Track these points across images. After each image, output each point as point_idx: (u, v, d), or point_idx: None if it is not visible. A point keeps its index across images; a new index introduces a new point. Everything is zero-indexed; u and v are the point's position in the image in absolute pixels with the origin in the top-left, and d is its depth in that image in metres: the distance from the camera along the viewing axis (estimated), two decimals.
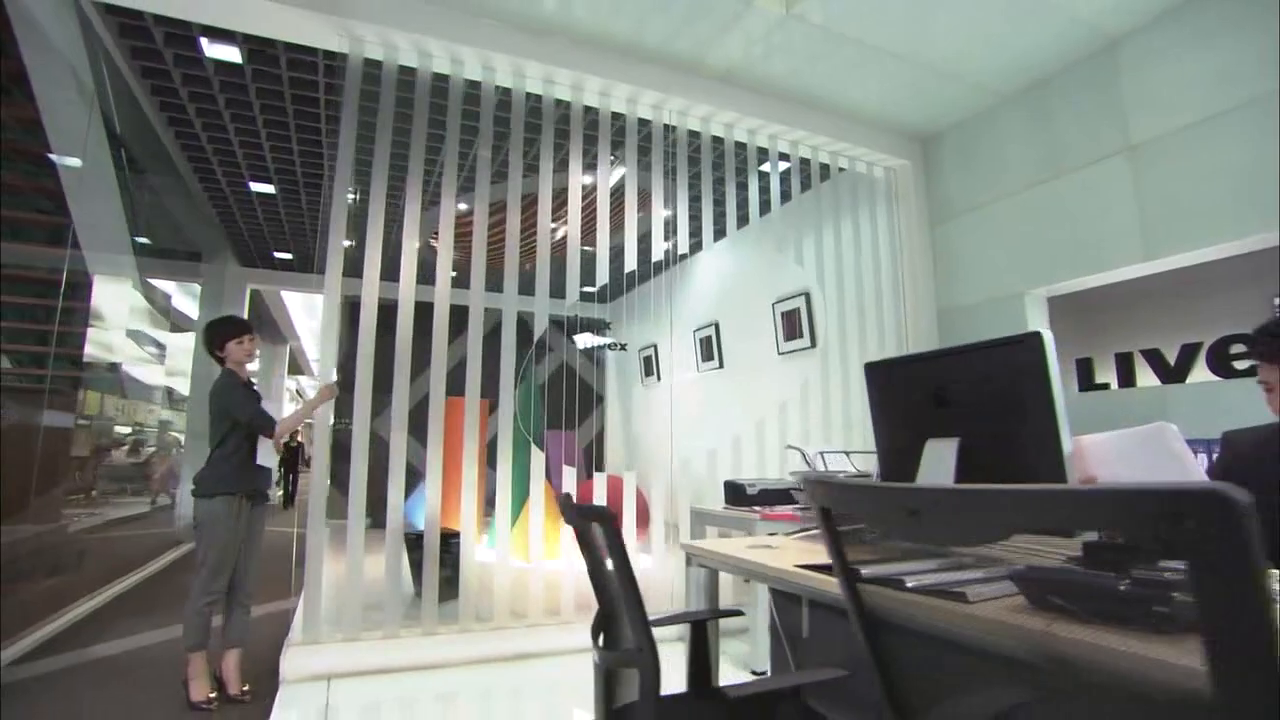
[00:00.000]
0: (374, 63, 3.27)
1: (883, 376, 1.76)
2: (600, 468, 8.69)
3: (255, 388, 2.89)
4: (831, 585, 1.32)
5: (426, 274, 3.28)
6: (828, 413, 4.43)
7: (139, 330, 6.80)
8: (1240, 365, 2.90)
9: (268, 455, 2.74)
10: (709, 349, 6.85)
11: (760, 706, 1.17)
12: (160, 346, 6.28)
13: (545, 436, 6.18)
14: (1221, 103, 3.02)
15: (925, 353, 1.68)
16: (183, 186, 5.06)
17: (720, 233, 4.37)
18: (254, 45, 3.47)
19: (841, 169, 4.54)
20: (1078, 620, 0.95)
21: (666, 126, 3.95)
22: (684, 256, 7.09)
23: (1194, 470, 1.31)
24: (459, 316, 3.35)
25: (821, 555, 1.66)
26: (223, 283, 6.39)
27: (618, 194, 3.98)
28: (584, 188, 3.75)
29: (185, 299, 6.94)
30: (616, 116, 3.84)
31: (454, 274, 3.37)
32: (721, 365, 6.70)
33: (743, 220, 4.62)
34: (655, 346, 8.04)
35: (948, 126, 4.38)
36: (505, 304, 3.47)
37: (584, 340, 8.48)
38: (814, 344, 5.35)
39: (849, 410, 4.48)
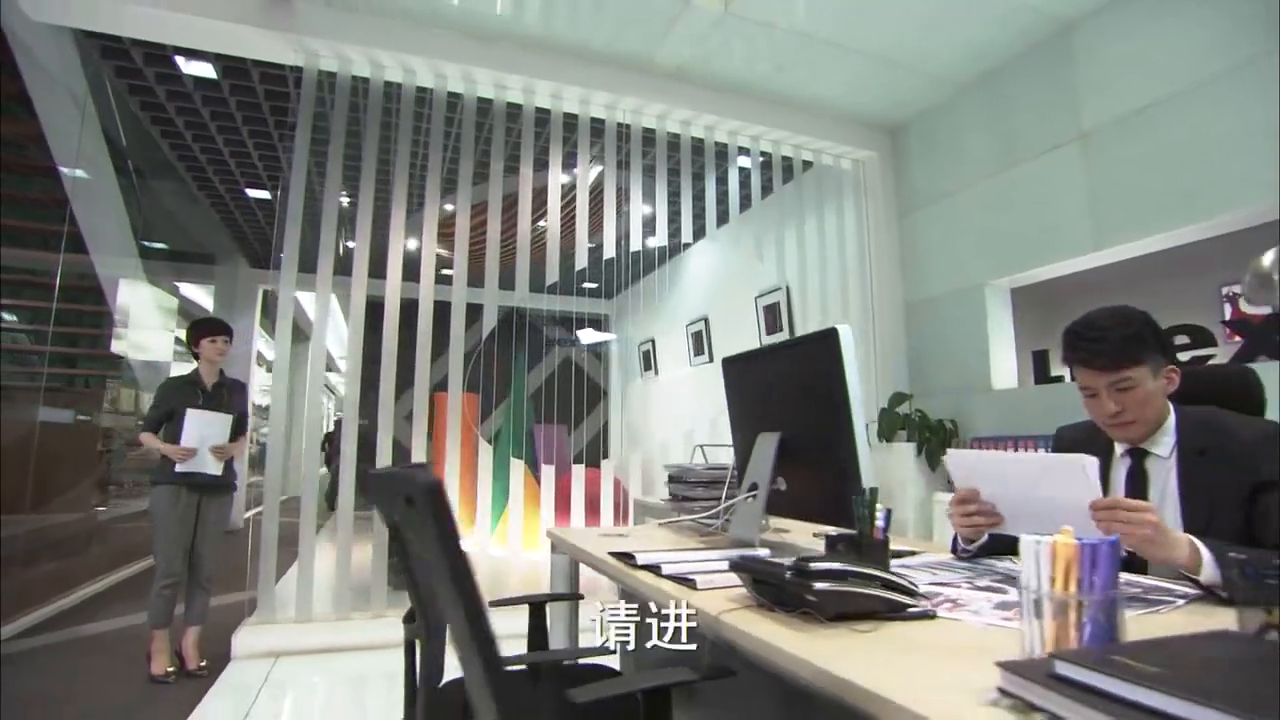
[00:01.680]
0: (329, 74, 3.44)
1: (733, 371, 1.82)
2: (604, 459, 8.79)
3: (202, 388, 2.96)
4: (619, 570, 1.40)
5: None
6: None
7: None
8: (1185, 356, 2.82)
9: (203, 462, 2.80)
10: (700, 343, 6.89)
11: (524, 680, 1.27)
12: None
13: (536, 431, 6.33)
14: (1168, 86, 2.94)
15: (759, 349, 1.74)
16: (191, 194, 5.37)
17: (672, 233, 4.42)
18: (227, 61, 3.68)
19: (807, 162, 4.54)
20: (764, 607, 1.01)
21: (620, 125, 4.02)
22: (675, 250, 7.13)
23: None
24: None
25: (669, 542, 1.73)
26: (235, 284, 6.73)
27: (571, 192, 4.08)
28: (535, 190, 3.86)
29: (210, 301, 7.35)
30: (570, 117, 3.92)
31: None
32: (711, 359, 6.73)
33: (720, 218, 4.65)
34: (653, 341, 8.11)
35: (912, 117, 4.32)
36: (453, 296, 3.62)
37: (585, 336, 8.61)
38: (793, 337, 5.35)
39: None
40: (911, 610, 0.95)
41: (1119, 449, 1.46)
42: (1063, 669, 0.61)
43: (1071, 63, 3.36)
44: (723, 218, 4.76)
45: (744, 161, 4.47)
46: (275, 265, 3.32)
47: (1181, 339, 2.86)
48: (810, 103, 4.17)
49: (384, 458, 3.36)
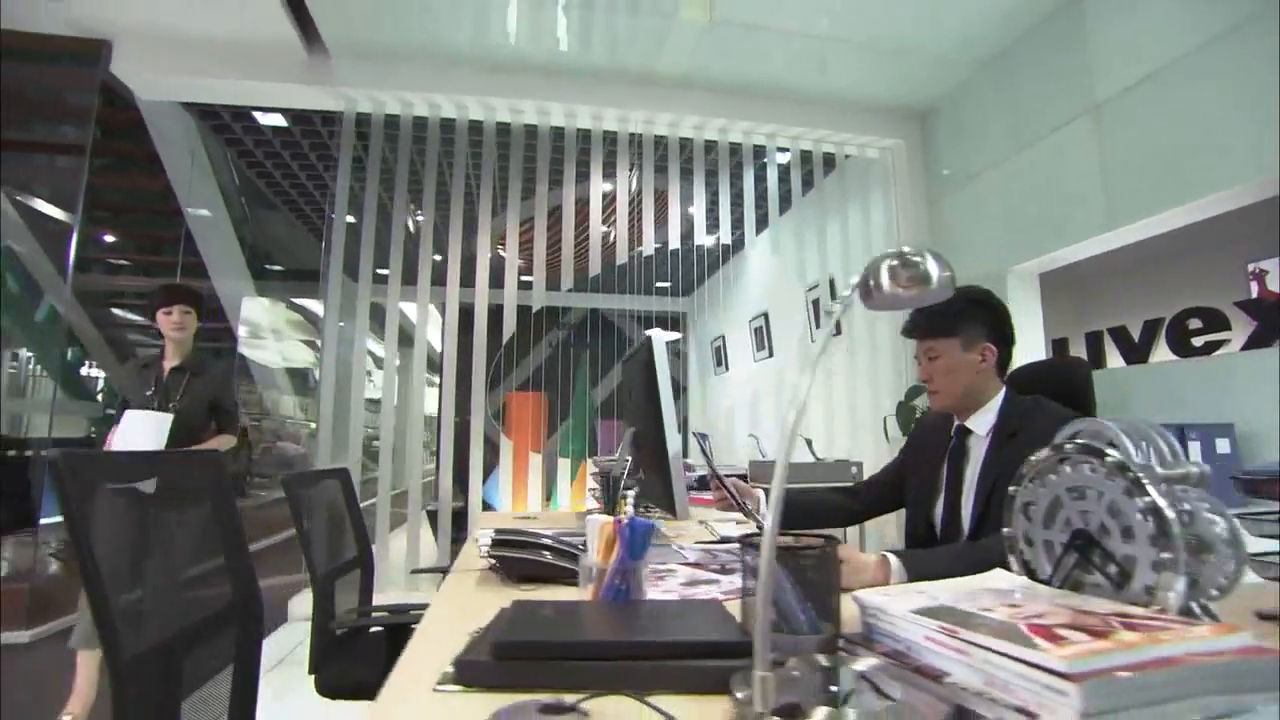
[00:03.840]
0: (366, 114, 3.94)
1: (623, 371, 1.99)
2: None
3: (157, 374, 2.51)
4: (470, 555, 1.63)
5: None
6: (825, 400, 4.46)
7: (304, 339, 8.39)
8: (1198, 341, 2.55)
9: (133, 442, 2.36)
10: (761, 339, 6.90)
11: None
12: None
13: (598, 426, 6.66)
14: (1181, 46, 2.69)
15: (632, 352, 1.89)
16: (291, 222, 6.24)
17: (729, 229, 4.54)
18: (294, 112, 4.30)
19: (829, 154, 4.49)
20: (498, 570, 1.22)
21: (631, 135, 4.22)
22: (730, 249, 7.19)
23: None
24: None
25: (565, 526, 1.94)
26: (341, 297, 7.65)
27: (589, 201, 4.34)
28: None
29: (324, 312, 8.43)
30: (583, 132, 4.18)
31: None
32: (772, 354, 6.72)
33: (766, 216, 4.74)
34: (723, 337, 8.19)
35: (938, 100, 4.15)
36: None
37: (657, 335, 8.83)
38: (838, 331, 5.28)
39: (854, 396, 4.48)
40: None
41: (954, 426, 1.50)
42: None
43: (1083, 30, 3.13)
44: (766, 217, 4.87)
45: (781, 159, 4.52)
46: (324, 278, 3.89)
47: (1195, 323, 2.59)
48: (825, 97, 4.13)
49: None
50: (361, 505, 5.26)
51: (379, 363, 6.35)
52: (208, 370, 2.62)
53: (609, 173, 4.30)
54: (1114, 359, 3.14)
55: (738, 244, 7.14)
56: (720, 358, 8.32)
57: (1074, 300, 3.56)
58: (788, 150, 4.43)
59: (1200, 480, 0.67)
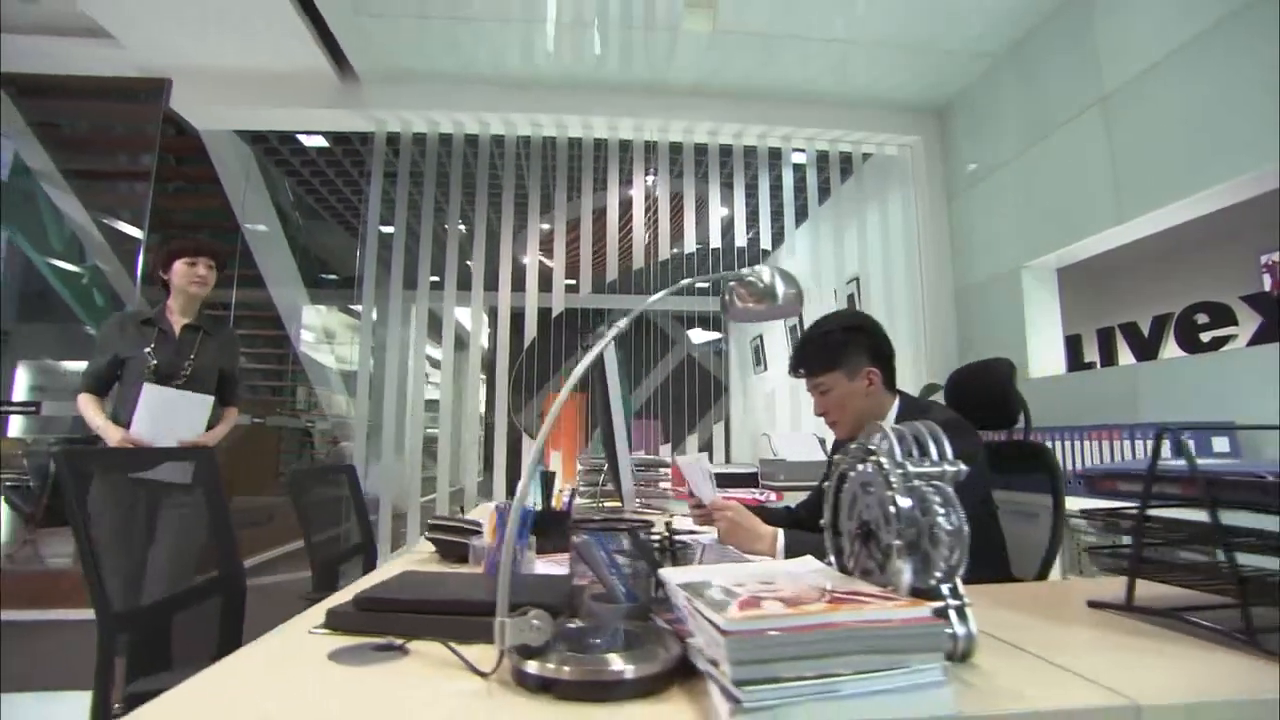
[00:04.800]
0: (395, 133, 4.22)
1: (593, 375, 2.13)
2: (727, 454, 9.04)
3: (164, 329, 2.18)
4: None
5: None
6: None
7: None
8: (1205, 337, 2.46)
9: (168, 426, 2.00)
10: (795, 338, 6.90)
11: None
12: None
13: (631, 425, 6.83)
14: (1188, 30, 2.61)
15: (599, 355, 2.02)
16: (338, 234, 6.66)
17: (751, 238, 4.61)
18: (334, 133, 4.63)
19: (845, 153, 4.49)
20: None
21: (648, 143, 4.35)
22: (756, 248, 7.19)
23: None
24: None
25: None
26: (388, 302, 8.09)
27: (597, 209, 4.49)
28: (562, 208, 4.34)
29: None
30: (599, 143, 4.34)
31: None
32: None
33: (792, 216, 4.79)
34: (761, 337, 8.20)
35: (955, 96, 4.10)
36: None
37: (695, 335, 8.92)
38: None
39: None
40: None
41: None
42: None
43: (1092, 16, 3.06)
44: (793, 218, 4.92)
45: (799, 159, 4.56)
46: (358, 285, 4.18)
47: (1201, 318, 2.50)
48: (835, 96, 4.15)
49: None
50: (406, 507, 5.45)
51: (435, 364, 6.70)
52: (220, 333, 2.33)
53: (629, 180, 4.45)
54: (1126, 356, 3.06)
55: (756, 247, 7.17)
56: (759, 357, 8.33)
57: (1089, 296, 3.47)
58: (804, 151, 4.46)
59: (954, 478, 0.76)
